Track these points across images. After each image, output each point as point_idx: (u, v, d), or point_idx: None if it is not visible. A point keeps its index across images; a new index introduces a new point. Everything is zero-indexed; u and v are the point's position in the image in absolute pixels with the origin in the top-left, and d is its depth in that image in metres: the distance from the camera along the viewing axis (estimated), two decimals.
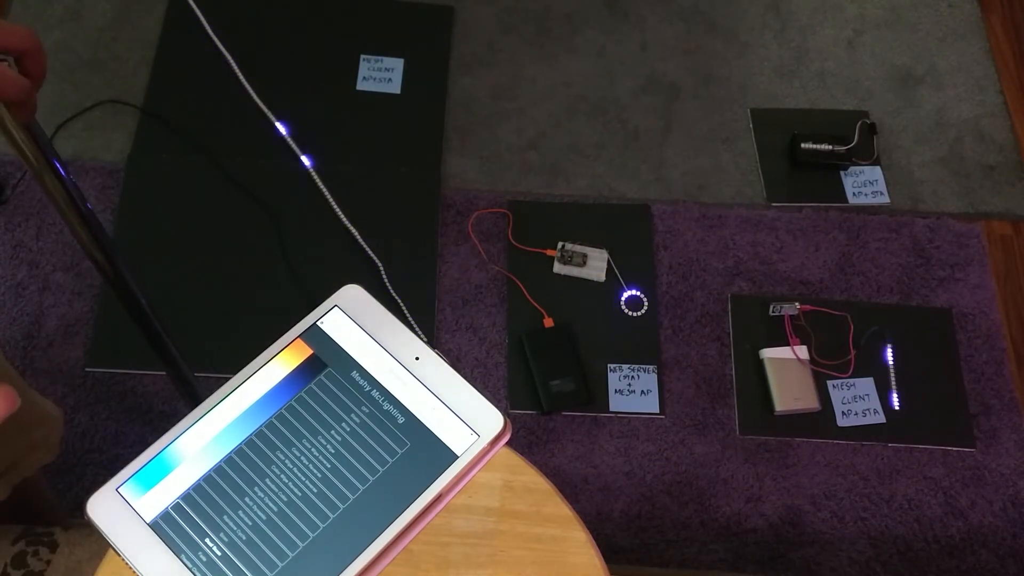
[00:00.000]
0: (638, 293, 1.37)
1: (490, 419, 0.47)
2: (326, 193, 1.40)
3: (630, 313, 1.36)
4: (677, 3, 1.64)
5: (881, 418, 1.31)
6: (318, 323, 0.50)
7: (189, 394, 1.03)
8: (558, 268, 1.38)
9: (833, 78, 1.59)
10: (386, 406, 0.48)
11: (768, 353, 1.32)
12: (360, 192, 1.41)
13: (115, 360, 1.27)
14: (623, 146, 1.50)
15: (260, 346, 0.49)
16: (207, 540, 0.44)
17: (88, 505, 0.44)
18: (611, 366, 1.32)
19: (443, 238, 1.39)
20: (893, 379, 1.34)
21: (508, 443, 0.49)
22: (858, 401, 1.32)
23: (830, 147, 1.48)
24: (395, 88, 1.50)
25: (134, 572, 0.43)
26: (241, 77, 1.47)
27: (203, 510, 0.44)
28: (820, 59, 1.61)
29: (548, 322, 1.33)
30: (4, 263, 1.32)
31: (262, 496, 0.45)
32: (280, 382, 0.48)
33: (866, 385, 1.33)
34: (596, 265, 1.38)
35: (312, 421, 0.47)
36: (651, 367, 1.32)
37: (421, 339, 0.50)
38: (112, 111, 1.44)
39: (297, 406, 0.48)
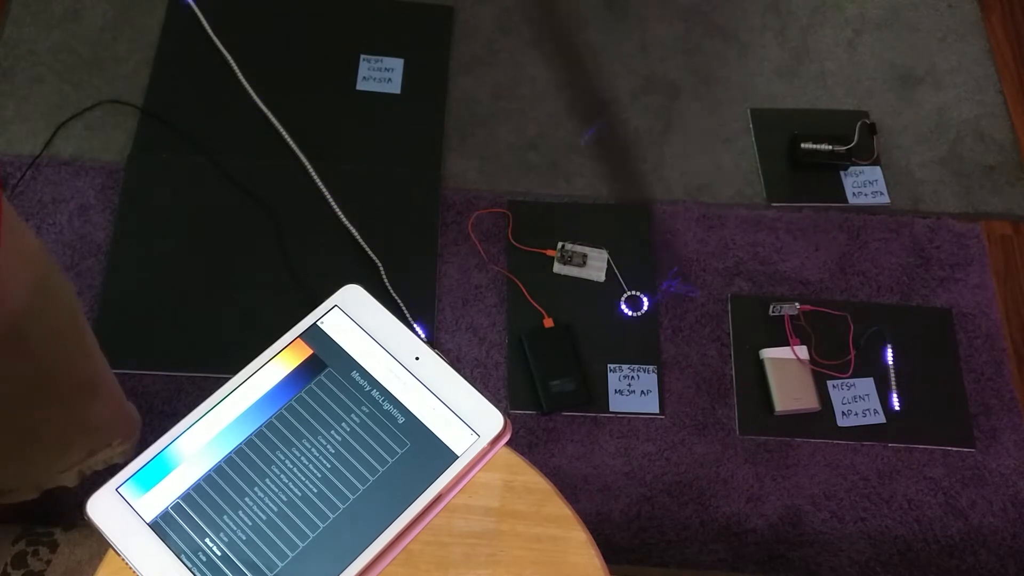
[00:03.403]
0: (638, 293, 1.37)
1: (490, 419, 0.47)
2: (326, 193, 1.40)
3: (630, 313, 1.36)
4: (677, 3, 1.64)
5: (881, 418, 1.31)
6: (318, 323, 0.50)
7: None
8: (558, 268, 1.38)
9: (833, 78, 1.59)
10: (386, 406, 0.48)
11: (768, 353, 1.32)
12: (360, 192, 1.41)
13: (115, 360, 1.27)
14: (623, 146, 1.50)
15: (260, 346, 0.50)
16: (207, 540, 0.44)
17: (88, 505, 0.44)
18: (611, 366, 1.32)
19: (443, 238, 1.39)
20: (893, 379, 1.34)
21: (508, 443, 0.49)
22: (858, 401, 1.32)
23: (830, 147, 1.48)
24: (395, 88, 1.50)
25: (134, 572, 0.43)
26: (241, 77, 1.47)
27: (203, 510, 0.44)
28: (820, 59, 1.61)
29: (548, 322, 1.33)
30: None
31: (262, 496, 0.45)
32: (280, 382, 0.48)
33: (866, 385, 1.33)
34: (596, 265, 1.38)
35: (312, 421, 0.47)
36: (651, 367, 1.32)
37: (421, 339, 0.50)
38: (112, 111, 1.44)
39: (297, 406, 0.48)
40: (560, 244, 1.39)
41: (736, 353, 1.35)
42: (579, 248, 1.39)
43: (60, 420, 0.81)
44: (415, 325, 1.31)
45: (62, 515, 1.06)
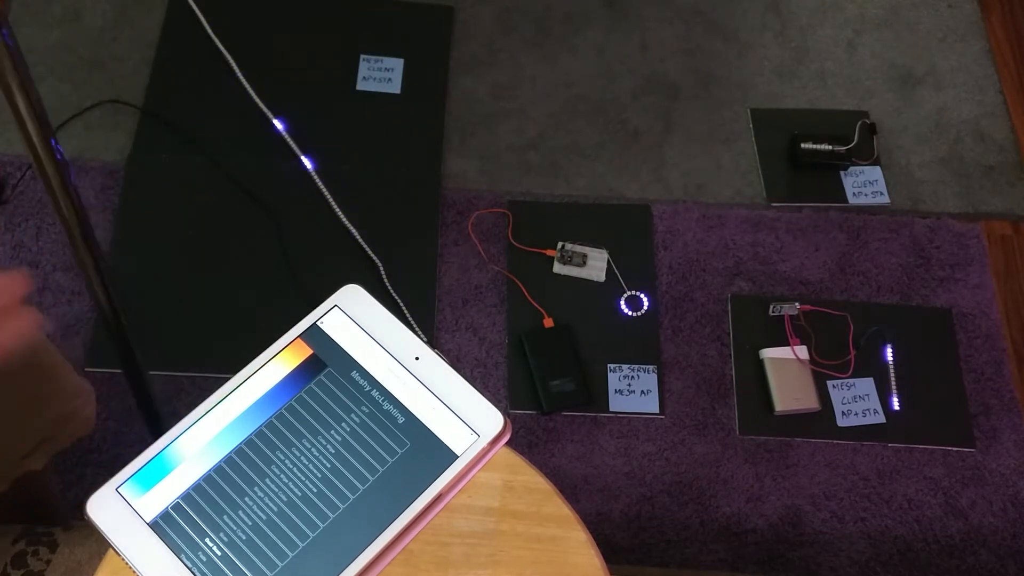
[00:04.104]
0: (638, 293, 1.37)
1: (490, 419, 0.47)
2: (326, 193, 1.40)
3: (630, 313, 1.36)
4: (677, 3, 1.64)
5: (881, 418, 1.31)
6: (318, 323, 0.50)
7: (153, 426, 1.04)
8: (558, 268, 1.38)
9: (833, 78, 1.59)
10: (386, 406, 0.48)
11: (768, 353, 1.32)
12: (360, 192, 1.41)
13: (115, 360, 1.27)
14: (623, 146, 1.50)
15: (260, 346, 0.49)
16: (207, 540, 0.44)
17: (88, 505, 0.44)
18: (611, 366, 1.32)
19: (443, 238, 1.39)
20: (893, 379, 1.34)
21: (508, 443, 0.49)
22: (858, 401, 1.32)
23: (830, 147, 1.48)
24: (395, 88, 1.50)
25: (134, 572, 0.43)
26: (241, 77, 1.47)
27: (203, 510, 0.44)
28: (820, 59, 1.61)
29: (548, 322, 1.33)
30: (4, 263, 1.32)
31: (262, 496, 0.45)
32: (280, 382, 0.48)
33: (866, 385, 1.33)
34: (596, 265, 1.38)
35: (312, 421, 0.47)
36: (651, 367, 1.32)
37: (421, 339, 0.50)
38: (112, 111, 1.44)
39: (297, 406, 0.48)
40: (560, 244, 1.39)
41: (736, 353, 1.35)
42: (579, 248, 1.39)
43: (13, 405, 0.80)
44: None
45: (61, 515, 1.06)
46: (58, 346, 1.26)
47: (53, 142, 0.68)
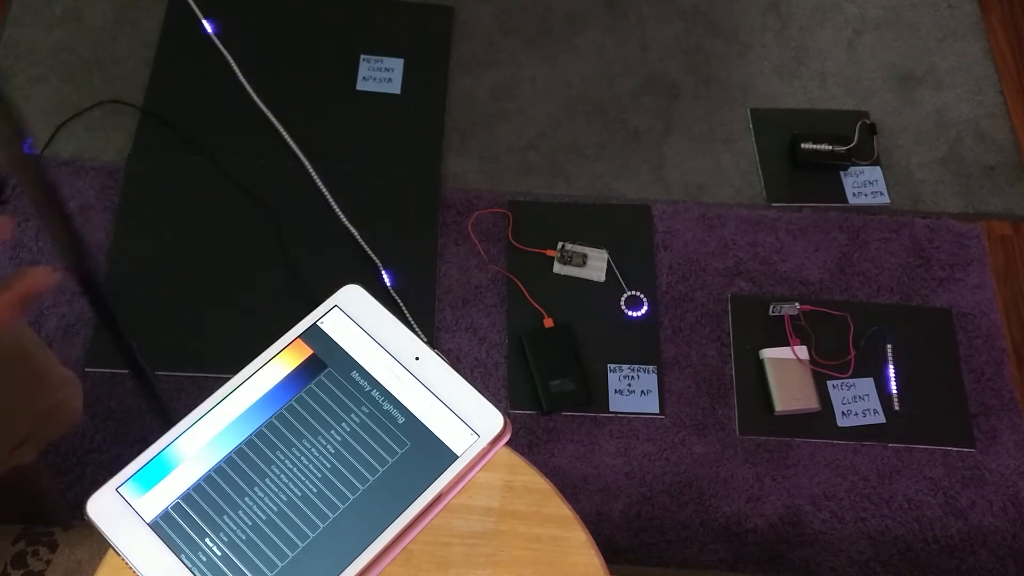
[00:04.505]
0: (638, 293, 1.37)
1: (490, 419, 0.47)
2: (326, 193, 1.40)
3: (630, 313, 1.36)
4: (677, 3, 1.64)
5: (881, 418, 1.31)
6: (318, 323, 0.50)
7: (157, 410, 1.04)
8: (558, 268, 1.38)
9: (833, 78, 1.59)
10: (386, 406, 0.48)
11: (768, 353, 1.32)
12: (360, 192, 1.41)
13: (115, 360, 1.27)
14: (623, 146, 1.50)
15: (260, 346, 0.49)
16: (207, 540, 0.44)
17: (88, 505, 0.44)
18: (611, 366, 1.32)
19: (443, 238, 1.39)
20: (893, 379, 1.34)
21: (508, 443, 0.49)
22: (858, 401, 1.32)
23: (830, 147, 1.48)
24: (395, 88, 1.50)
25: (134, 572, 0.43)
26: (241, 77, 1.47)
27: (203, 510, 0.44)
28: (820, 59, 1.61)
29: (548, 322, 1.33)
30: (4, 263, 1.32)
31: (262, 496, 0.45)
32: (280, 382, 0.48)
33: (866, 385, 1.33)
34: (596, 265, 1.38)
35: (312, 421, 0.47)
36: (651, 367, 1.32)
37: (421, 339, 0.50)
38: (112, 111, 1.44)
39: (297, 406, 0.47)
40: (560, 244, 1.39)
41: (736, 353, 1.35)
42: (579, 248, 1.39)
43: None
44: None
45: (61, 515, 1.06)
46: (58, 346, 1.27)
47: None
